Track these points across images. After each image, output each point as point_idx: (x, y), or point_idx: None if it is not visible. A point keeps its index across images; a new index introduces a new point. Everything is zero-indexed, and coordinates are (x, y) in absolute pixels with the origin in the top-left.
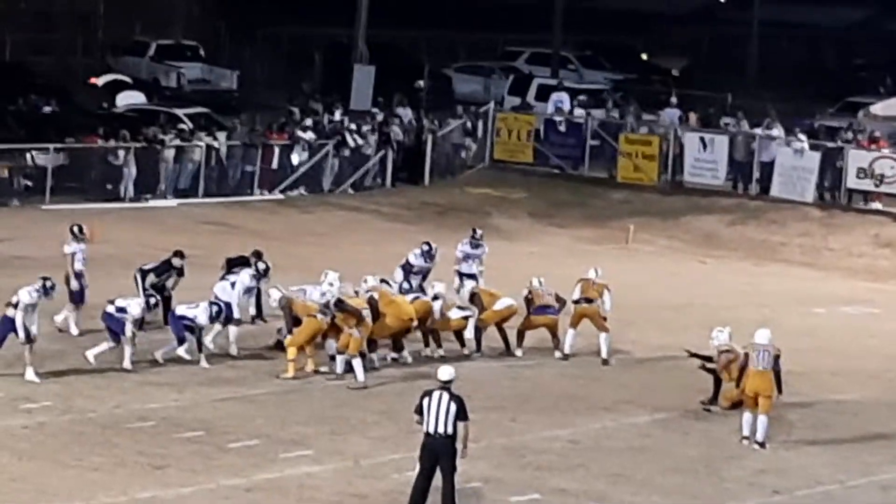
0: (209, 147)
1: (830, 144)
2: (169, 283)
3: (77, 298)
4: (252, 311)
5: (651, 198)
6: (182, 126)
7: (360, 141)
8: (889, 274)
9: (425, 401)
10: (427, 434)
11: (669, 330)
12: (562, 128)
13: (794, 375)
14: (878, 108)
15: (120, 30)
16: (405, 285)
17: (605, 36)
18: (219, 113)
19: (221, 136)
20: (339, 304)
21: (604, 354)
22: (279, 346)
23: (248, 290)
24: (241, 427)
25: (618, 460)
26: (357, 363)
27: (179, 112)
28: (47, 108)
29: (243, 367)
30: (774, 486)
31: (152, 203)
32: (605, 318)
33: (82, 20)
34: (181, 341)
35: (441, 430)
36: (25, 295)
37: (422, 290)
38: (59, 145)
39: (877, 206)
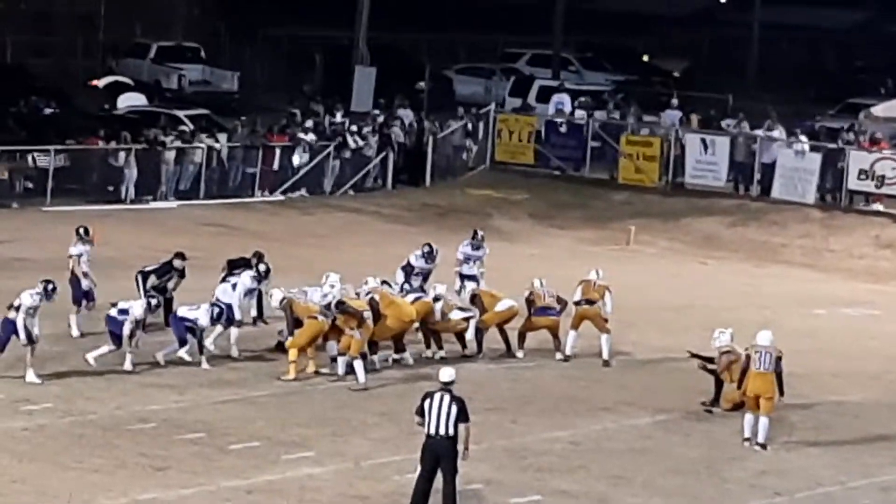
0: (210, 149)
1: (831, 146)
2: (170, 285)
3: (79, 299)
4: (254, 312)
5: (652, 199)
6: (183, 128)
7: (360, 142)
8: (890, 275)
9: (426, 402)
10: (428, 436)
11: (670, 331)
12: (563, 129)
13: (795, 377)
14: (879, 109)
15: (120, 31)
16: (406, 286)
17: (605, 37)
18: (220, 114)
19: (222, 137)
20: (341, 305)
21: (605, 356)
22: (280, 348)
23: (249, 292)
24: (242, 429)
25: (619, 462)
26: (358, 365)
27: (180, 114)
28: (48, 110)
29: (244, 369)
30: (775, 487)
31: (153, 205)
32: (606, 320)
33: (83, 22)
34: (182, 343)
35: (442, 431)
36: (27, 298)
37: (423, 291)
38: (59, 147)
39: (878, 207)
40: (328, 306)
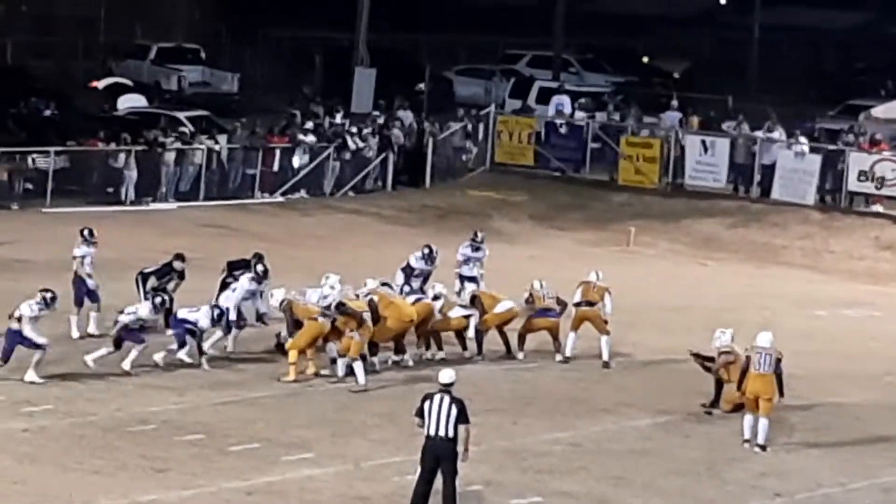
0: (210, 150)
1: (831, 147)
2: (170, 287)
3: (81, 301)
4: (263, 309)
5: (652, 200)
6: (183, 129)
7: (360, 144)
8: (890, 276)
9: (426, 404)
10: (428, 437)
11: (670, 333)
12: (563, 130)
13: (795, 378)
14: (879, 110)
15: (121, 33)
16: (406, 288)
17: (606, 39)
18: (219, 116)
19: (222, 138)
20: (341, 307)
21: (605, 357)
22: (280, 349)
23: (251, 295)
24: (242, 430)
25: (619, 463)
26: (358, 366)
27: (180, 115)
28: (48, 112)
29: (244, 371)
30: (776, 488)
31: (153, 206)
32: (606, 321)
33: (83, 23)
34: (182, 345)
35: (442, 433)
36: (27, 308)
37: (422, 292)
38: (59, 148)
39: (878, 208)
40: (328, 308)
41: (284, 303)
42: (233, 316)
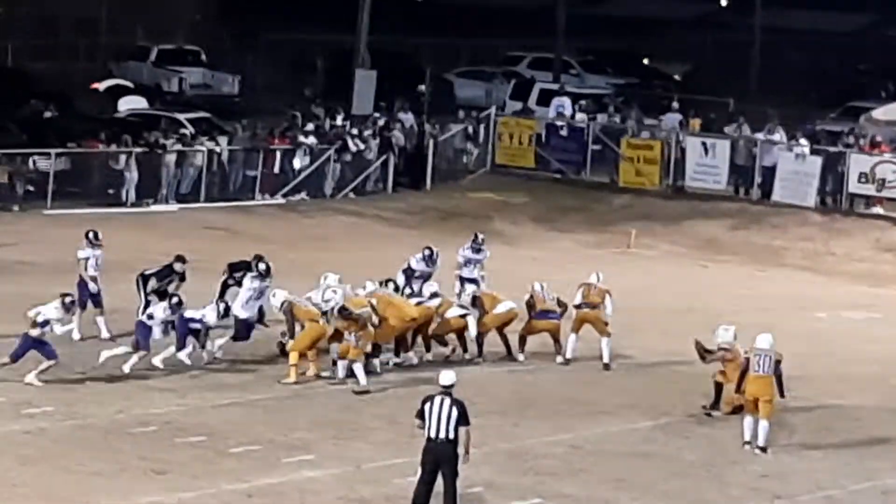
0: (211, 152)
1: (832, 149)
2: (170, 288)
3: (84, 303)
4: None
5: (653, 202)
6: (184, 131)
7: (361, 146)
8: (891, 278)
9: (427, 406)
10: (429, 439)
11: (671, 335)
12: (563, 132)
13: (795, 380)
14: (880, 112)
15: (122, 35)
16: (408, 290)
17: (606, 41)
18: (220, 118)
19: (223, 140)
20: (343, 311)
21: (605, 359)
22: (281, 351)
23: (259, 294)
24: (242, 432)
25: (620, 465)
26: (359, 368)
27: (181, 117)
28: (48, 113)
29: (245, 372)
30: (776, 490)
31: (154, 208)
32: (606, 323)
33: (84, 25)
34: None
35: (443, 435)
36: (52, 311)
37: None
38: (60, 150)
39: (878, 210)
40: (331, 311)
41: (285, 304)
42: (243, 314)
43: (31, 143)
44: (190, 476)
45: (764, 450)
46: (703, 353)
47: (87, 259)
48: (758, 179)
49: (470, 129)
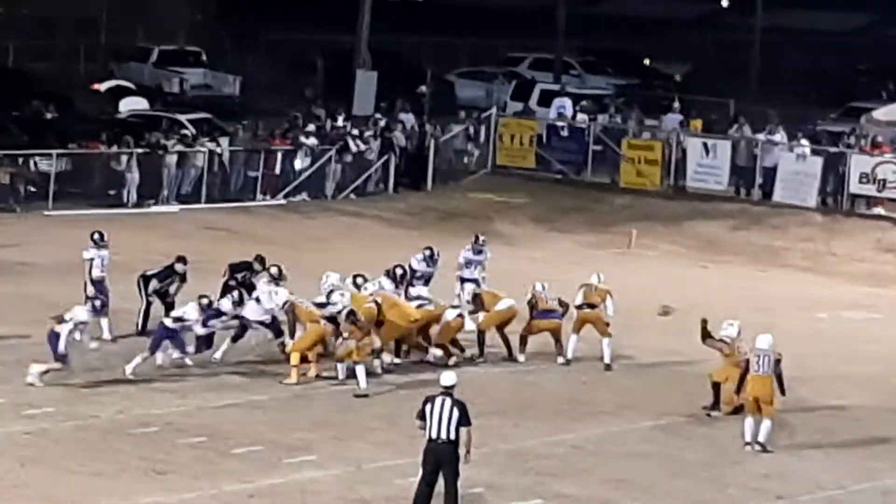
0: (212, 152)
1: (833, 149)
2: (171, 289)
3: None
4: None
5: (653, 203)
6: (185, 132)
7: (362, 146)
8: (892, 279)
9: (428, 406)
10: (430, 439)
11: (672, 335)
12: (564, 133)
13: (796, 380)
14: (881, 113)
15: (123, 36)
16: (413, 292)
17: (607, 41)
18: (221, 118)
19: (224, 141)
20: (351, 315)
21: (606, 360)
22: (282, 352)
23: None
24: (243, 432)
25: (621, 465)
26: (361, 370)
27: (182, 118)
28: (49, 114)
29: (246, 373)
30: (777, 491)
31: (155, 209)
32: (607, 324)
33: (84, 26)
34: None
35: (444, 435)
36: (82, 313)
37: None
38: (61, 151)
39: (879, 211)
40: (339, 313)
41: (287, 304)
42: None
43: (31, 144)
44: (191, 477)
45: (765, 448)
46: (706, 334)
47: (91, 260)
48: (759, 180)
49: (471, 130)
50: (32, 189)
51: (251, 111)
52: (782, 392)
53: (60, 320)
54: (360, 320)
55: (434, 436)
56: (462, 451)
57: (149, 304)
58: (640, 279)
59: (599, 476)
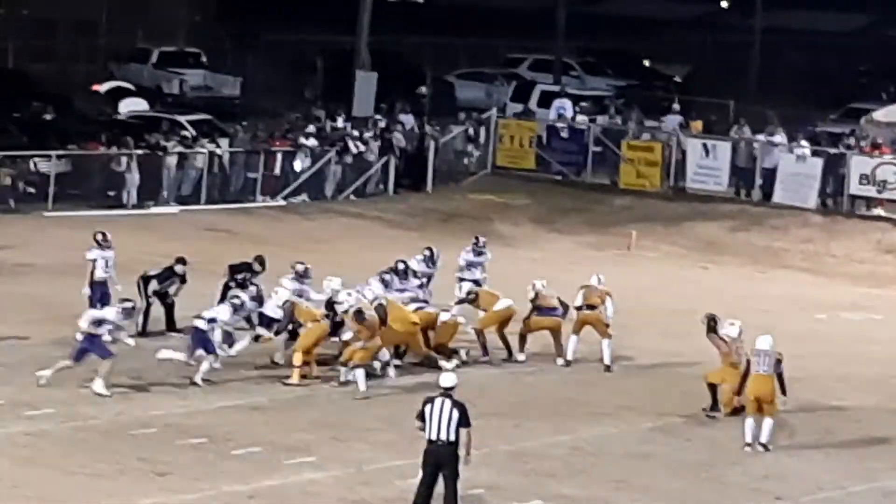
0: (211, 154)
1: (833, 151)
2: (171, 290)
3: (97, 304)
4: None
5: (653, 204)
6: (184, 133)
7: (362, 147)
8: (891, 280)
9: (427, 407)
10: (429, 441)
11: (672, 336)
12: (564, 134)
13: (796, 381)
14: (881, 114)
15: (122, 37)
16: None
17: (607, 42)
18: (221, 119)
19: (224, 142)
20: (359, 314)
21: (606, 360)
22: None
23: (298, 295)
24: (243, 433)
25: (620, 466)
26: (360, 374)
27: (182, 119)
28: (48, 115)
29: (246, 374)
30: (777, 492)
31: (154, 210)
32: (607, 325)
33: (84, 27)
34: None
35: (443, 436)
36: (112, 314)
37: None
38: (61, 152)
39: (879, 212)
40: (345, 312)
41: (287, 304)
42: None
43: (31, 145)
44: (191, 478)
45: (766, 447)
46: (712, 328)
47: (94, 260)
48: (758, 181)
49: (471, 131)
50: (32, 190)
51: (251, 112)
52: (783, 392)
53: (98, 323)
54: (367, 320)
55: (434, 437)
56: (462, 452)
57: (149, 305)
58: (640, 280)
59: (599, 477)
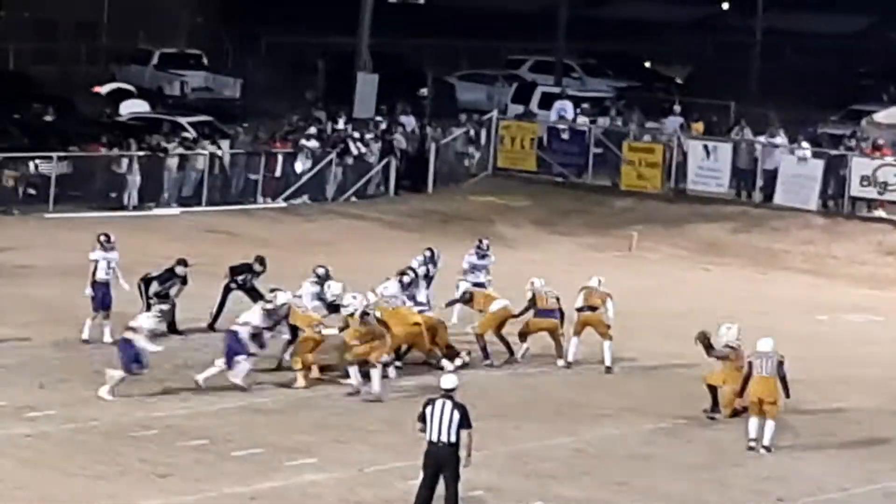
0: (212, 155)
1: (834, 152)
2: (172, 292)
3: (98, 306)
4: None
5: (654, 205)
6: (185, 134)
7: (363, 149)
8: (892, 281)
9: (428, 409)
10: (430, 442)
11: (673, 338)
12: (565, 136)
13: (797, 383)
14: (882, 115)
15: (123, 38)
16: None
17: (608, 44)
18: (222, 121)
19: (225, 144)
20: (365, 316)
21: (607, 362)
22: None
23: (318, 298)
24: (244, 435)
25: (621, 468)
26: (375, 373)
27: (183, 120)
28: (50, 117)
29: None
30: (778, 493)
31: (156, 211)
32: (608, 326)
33: (86, 29)
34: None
35: (444, 438)
36: (147, 321)
37: (416, 302)
38: (62, 154)
39: (880, 213)
40: (351, 315)
41: (285, 307)
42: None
43: (32, 147)
44: (192, 479)
45: (768, 449)
46: (708, 346)
47: (97, 261)
48: (759, 182)
49: (471, 133)
50: (33, 191)
51: (252, 114)
52: (787, 394)
53: (129, 328)
54: (373, 323)
55: (435, 439)
56: (463, 453)
57: (150, 306)
58: (641, 282)
59: (600, 478)
